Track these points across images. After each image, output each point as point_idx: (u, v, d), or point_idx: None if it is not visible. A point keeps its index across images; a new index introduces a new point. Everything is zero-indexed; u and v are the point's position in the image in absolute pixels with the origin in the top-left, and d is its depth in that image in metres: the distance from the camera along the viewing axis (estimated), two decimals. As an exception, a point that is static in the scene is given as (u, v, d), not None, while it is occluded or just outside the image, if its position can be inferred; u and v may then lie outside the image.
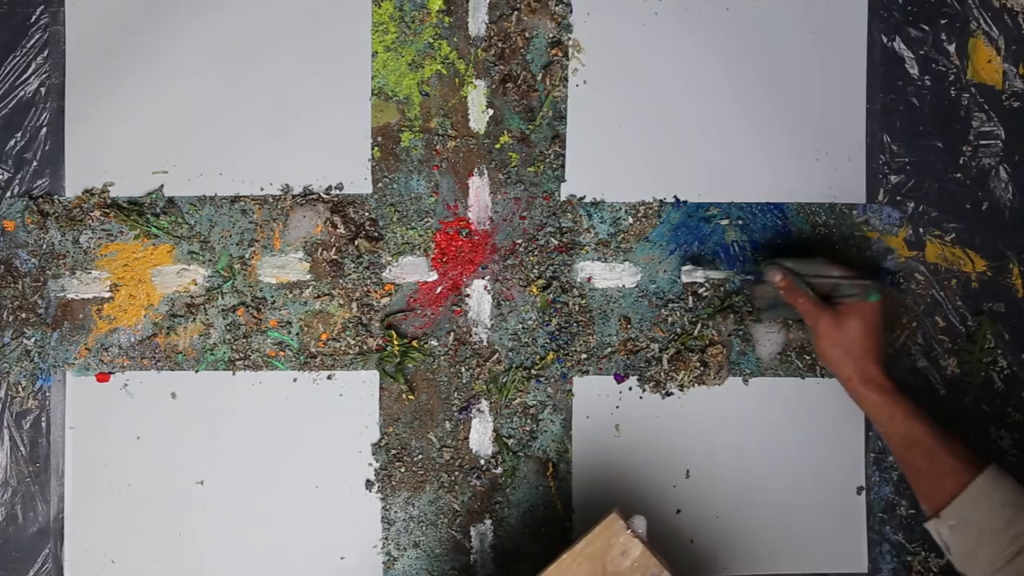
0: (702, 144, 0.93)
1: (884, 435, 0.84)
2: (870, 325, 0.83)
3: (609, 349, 0.93)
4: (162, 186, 0.93)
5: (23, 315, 0.92)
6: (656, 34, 0.93)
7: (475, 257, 0.93)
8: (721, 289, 0.93)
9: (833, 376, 0.89)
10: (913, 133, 0.94)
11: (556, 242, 0.93)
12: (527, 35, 0.93)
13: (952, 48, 0.93)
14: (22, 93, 0.92)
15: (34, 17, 0.92)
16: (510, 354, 0.93)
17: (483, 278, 0.93)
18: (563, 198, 0.93)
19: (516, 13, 0.93)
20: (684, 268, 0.92)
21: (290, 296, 0.93)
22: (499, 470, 0.93)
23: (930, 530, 0.80)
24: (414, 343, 0.93)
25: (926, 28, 0.93)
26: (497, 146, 0.93)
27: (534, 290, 0.93)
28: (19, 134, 0.92)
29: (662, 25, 0.93)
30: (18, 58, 0.92)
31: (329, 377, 0.93)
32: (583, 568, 0.80)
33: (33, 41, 0.92)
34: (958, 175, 0.94)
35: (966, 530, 0.77)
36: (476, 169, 0.93)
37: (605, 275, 0.93)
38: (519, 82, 0.93)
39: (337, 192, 0.93)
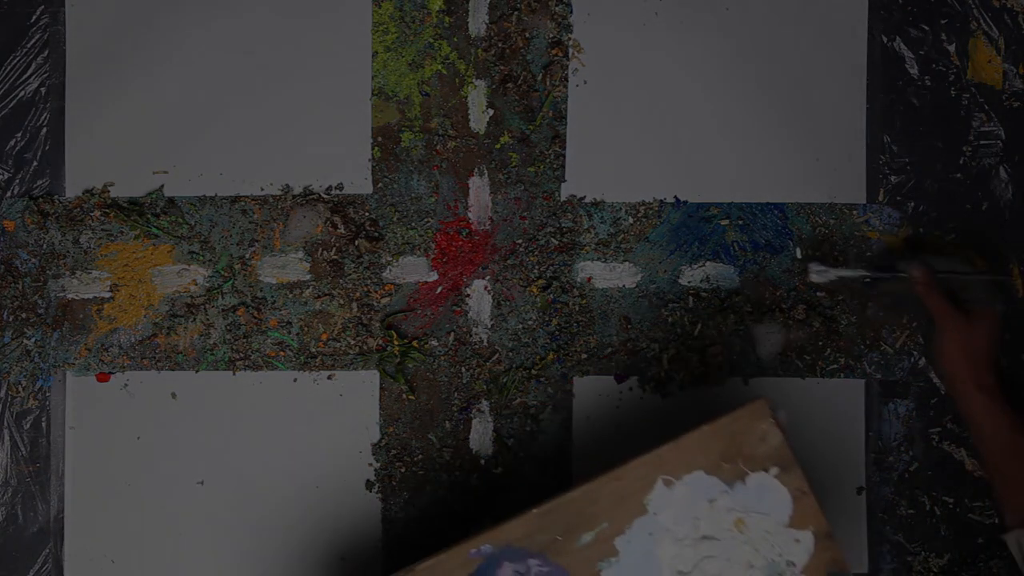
0: (702, 144, 0.93)
1: (984, 440, 0.82)
2: (994, 332, 0.84)
3: (609, 349, 0.93)
4: (162, 186, 0.93)
5: (23, 315, 0.92)
6: (656, 34, 0.93)
7: (475, 257, 0.93)
8: (722, 289, 0.93)
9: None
10: (913, 133, 0.93)
11: (556, 242, 0.93)
12: (527, 35, 0.93)
13: (952, 48, 0.93)
14: (22, 93, 0.92)
15: (34, 17, 0.92)
16: (510, 354, 0.93)
17: (483, 278, 0.93)
18: (563, 198, 0.93)
19: (516, 13, 0.93)
20: (815, 268, 0.90)
21: (290, 296, 0.93)
22: (499, 470, 0.93)
23: (1009, 541, 0.80)
24: (414, 343, 0.93)
25: (926, 28, 0.93)
26: (497, 146, 0.93)
27: (534, 290, 0.93)
28: (19, 134, 0.92)
29: (662, 25, 0.93)
30: (18, 58, 0.92)
31: (329, 377, 0.93)
32: (720, 443, 0.79)
33: (33, 41, 0.92)
34: (958, 175, 0.93)
35: None
36: (476, 169, 0.93)
37: (605, 275, 0.93)
38: (519, 82, 0.93)
39: (337, 192, 0.93)
